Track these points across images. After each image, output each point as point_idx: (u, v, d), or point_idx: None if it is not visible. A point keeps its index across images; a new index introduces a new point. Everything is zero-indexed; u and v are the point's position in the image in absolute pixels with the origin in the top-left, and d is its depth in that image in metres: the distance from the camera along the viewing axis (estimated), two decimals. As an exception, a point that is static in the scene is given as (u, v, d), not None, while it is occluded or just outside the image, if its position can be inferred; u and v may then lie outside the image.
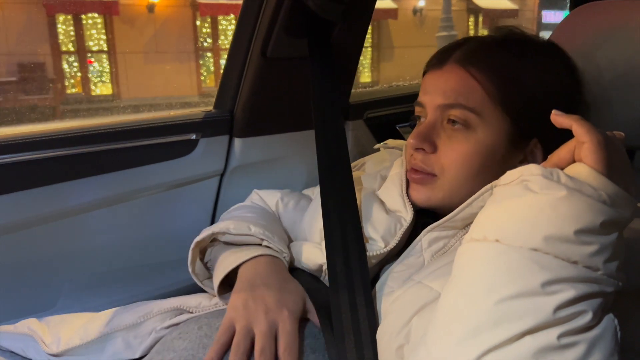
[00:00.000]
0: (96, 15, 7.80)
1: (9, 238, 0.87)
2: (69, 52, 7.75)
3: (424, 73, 0.72)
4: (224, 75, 1.05)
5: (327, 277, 0.68)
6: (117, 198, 0.96)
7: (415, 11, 9.12)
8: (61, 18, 7.56)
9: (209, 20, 8.52)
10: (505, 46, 0.67)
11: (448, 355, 0.43)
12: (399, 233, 0.67)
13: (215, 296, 0.70)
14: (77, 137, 0.89)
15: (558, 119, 0.50)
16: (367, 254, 0.65)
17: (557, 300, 0.41)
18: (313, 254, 0.70)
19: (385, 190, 0.73)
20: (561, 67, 0.69)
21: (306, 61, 0.94)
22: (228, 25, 8.58)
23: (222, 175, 1.07)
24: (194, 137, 1.01)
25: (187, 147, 1.01)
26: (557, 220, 0.43)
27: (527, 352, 0.40)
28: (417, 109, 0.70)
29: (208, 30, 8.52)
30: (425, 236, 0.64)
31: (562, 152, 0.49)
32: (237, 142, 1.04)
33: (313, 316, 0.63)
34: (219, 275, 0.68)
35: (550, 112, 0.65)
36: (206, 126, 1.02)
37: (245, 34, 0.98)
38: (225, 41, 8.49)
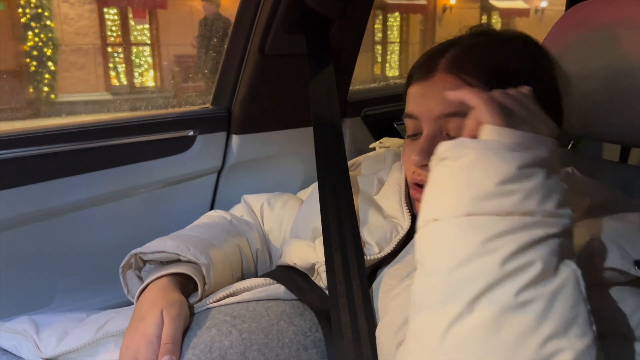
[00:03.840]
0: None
1: (5, 235, 0.86)
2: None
3: (408, 85, 0.70)
4: (222, 71, 1.05)
5: (319, 276, 0.68)
6: (113, 195, 0.95)
7: (537, 10, 10.32)
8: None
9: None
10: (490, 46, 0.66)
11: (422, 331, 0.44)
12: (395, 240, 0.67)
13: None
14: (73, 133, 0.89)
15: (449, 95, 0.53)
16: None
17: (500, 255, 0.41)
18: (306, 252, 0.70)
19: (383, 195, 0.73)
20: (540, 55, 0.68)
21: (304, 58, 0.93)
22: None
23: (219, 172, 1.06)
24: (191, 133, 1.00)
25: (185, 144, 1.00)
26: (476, 180, 0.44)
27: (489, 316, 0.40)
28: (410, 122, 0.68)
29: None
30: None
31: (469, 124, 0.51)
32: (235, 139, 1.04)
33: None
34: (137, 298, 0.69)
35: (542, 103, 0.66)
36: (203, 123, 1.01)
37: (243, 30, 0.98)
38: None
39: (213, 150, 1.04)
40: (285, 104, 1.07)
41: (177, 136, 0.99)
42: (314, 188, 0.87)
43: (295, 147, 1.11)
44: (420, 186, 0.67)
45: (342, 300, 0.61)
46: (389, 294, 0.60)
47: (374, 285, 0.64)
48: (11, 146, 0.83)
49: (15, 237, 0.87)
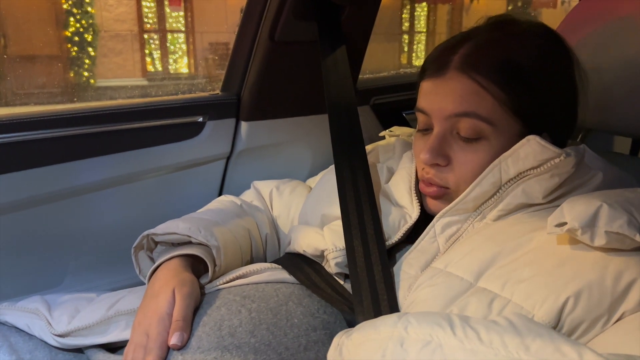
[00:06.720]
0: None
1: (17, 216, 0.87)
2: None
3: (421, 78, 0.69)
4: (232, 58, 1.05)
5: (328, 263, 0.68)
6: (123, 179, 0.96)
7: (564, 2, 10.18)
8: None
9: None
10: (504, 42, 0.64)
11: None
12: (403, 229, 0.67)
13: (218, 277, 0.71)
14: (85, 117, 0.90)
15: None
16: None
17: None
18: (314, 239, 0.70)
19: (393, 184, 0.73)
20: (558, 49, 0.66)
21: (314, 45, 0.93)
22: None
23: (228, 158, 1.07)
24: (200, 119, 1.01)
25: (194, 130, 1.01)
26: None
27: None
28: (421, 117, 0.68)
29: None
30: (438, 222, 0.65)
31: None
32: (244, 126, 1.05)
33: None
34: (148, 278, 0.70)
35: (555, 103, 0.64)
36: (213, 109, 1.02)
37: (253, 17, 0.98)
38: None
39: (222, 136, 1.04)
40: (294, 91, 1.07)
41: (186, 122, 1.00)
42: (322, 175, 0.88)
43: (304, 134, 1.11)
44: (429, 183, 0.66)
45: (364, 285, 0.61)
46: (406, 282, 0.61)
47: (393, 270, 0.64)
48: (23, 129, 0.84)
49: (27, 218, 0.89)
